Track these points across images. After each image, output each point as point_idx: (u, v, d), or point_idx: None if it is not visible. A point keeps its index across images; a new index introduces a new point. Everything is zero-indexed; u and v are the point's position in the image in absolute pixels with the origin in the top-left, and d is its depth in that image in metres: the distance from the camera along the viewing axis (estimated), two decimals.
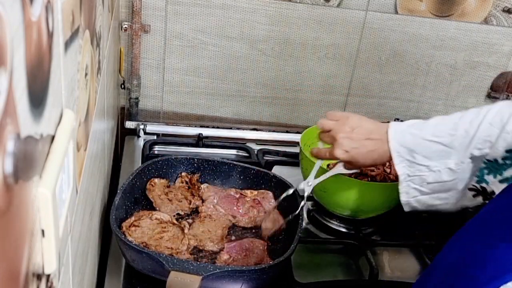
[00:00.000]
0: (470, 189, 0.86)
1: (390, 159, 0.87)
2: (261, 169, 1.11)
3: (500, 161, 0.81)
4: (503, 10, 1.40)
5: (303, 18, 1.35)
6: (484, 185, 0.84)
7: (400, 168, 0.86)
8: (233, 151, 1.35)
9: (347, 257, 1.04)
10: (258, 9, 1.32)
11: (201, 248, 0.94)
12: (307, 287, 0.92)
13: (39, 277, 0.38)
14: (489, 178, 0.83)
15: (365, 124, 0.89)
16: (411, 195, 0.88)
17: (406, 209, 0.91)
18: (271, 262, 0.84)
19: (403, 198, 0.89)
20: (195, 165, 1.11)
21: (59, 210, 0.42)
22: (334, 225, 1.12)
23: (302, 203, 0.95)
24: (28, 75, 0.33)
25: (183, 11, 1.30)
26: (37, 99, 0.36)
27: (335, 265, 1.02)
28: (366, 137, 0.88)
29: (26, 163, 0.34)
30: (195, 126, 1.41)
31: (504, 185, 0.80)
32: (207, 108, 1.43)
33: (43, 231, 0.38)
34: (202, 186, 1.09)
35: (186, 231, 0.95)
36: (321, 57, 1.40)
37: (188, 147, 1.33)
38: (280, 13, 1.33)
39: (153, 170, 1.07)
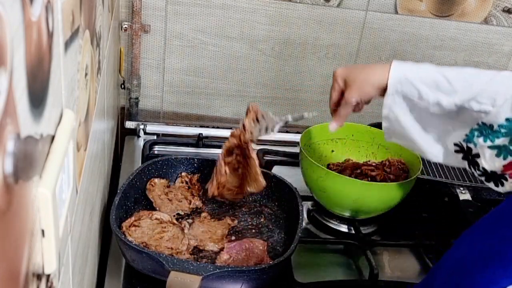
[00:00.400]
0: (455, 144, 0.84)
1: (385, 85, 0.83)
2: (262, 169, 1.11)
3: (496, 127, 0.77)
4: (503, 10, 1.40)
5: (303, 18, 1.35)
6: (471, 145, 0.81)
7: (392, 82, 0.82)
8: None
9: (347, 257, 1.04)
10: (258, 9, 1.32)
11: (201, 248, 0.94)
12: (307, 287, 0.92)
13: (39, 277, 0.38)
14: (479, 140, 0.79)
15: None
16: (392, 109, 0.84)
17: (384, 125, 0.87)
18: (271, 262, 0.84)
19: (384, 110, 0.85)
20: (195, 165, 1.11)
21: (59, 210, 0.42)
22: (334, 225, 1.12)
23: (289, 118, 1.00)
24: (28, 75, 0.33)
25: (183, 11, 1.30)
26: (37, 99, 0.36)
27: (335, 265, 1.02)
28: (371, 64, 0.88)
29: (26, 163, 0.34)
30: (195, 126, 1.41)
31: (492, 152, 0.78)
32: (207, 108, 1.43)
33: (43, 231, 0.38)
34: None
35: (186, 231, 0.95)
36: (321, 57, 1.40)
37: (188, 147, 1.33)
38: (280, 13, 1.33)
39: (153, 170, 1.07)
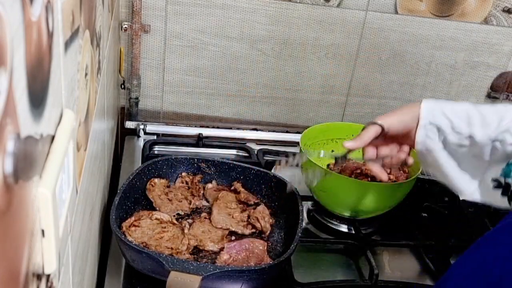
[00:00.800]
0: (494, 180, 0.81)
1: (417, 117, 0.81)
2: (261, 169, 1.11)
3: None
4: (503, 10, 1.40)
5: (303, 18, 1.35)
6: (509, 180, 0.79)
7: (424, 111, 0.80)
8: (233, 151, 1.35)
9: (347, 257, 1.04)
10: (258, 9, 1.32)
11: (201, 248, 0.94)
12: (307, 287, 0.92)
13: (39, 277, 0.38)
14: None
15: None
16: (425, 144, 0.82)
17: (420, 158, 0.83)
18: (271, 262, 0.84)
19: (417, 145, 0.82)
20: (195, 165, 1.11)
21: (59, 210, 0.42)
22: (334, 225, 1.12)
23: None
24: (28, 75, 0.33)
25: (183, 11, 1.30)
26: (37, 99, 0.36)
27: (335, 265, 1.02)
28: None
29: (26, 163, 0.34)
30: (195, 126, 1.41)
31: None
32: (207, 108, 1.43)
33: (43, 231, 0.38)
34: (207, 185, 1.09)
35: (186, 231, 0.95)
36: (321, 57, 1.40)
37: (188, 147, 1.33)
38: (280, 13, 1.33)
39: (153, 170, 1.07)
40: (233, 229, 0.99)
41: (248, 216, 1.02)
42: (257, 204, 1.05)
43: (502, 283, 0.58)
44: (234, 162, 1.12)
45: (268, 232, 1.00)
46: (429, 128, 0.81)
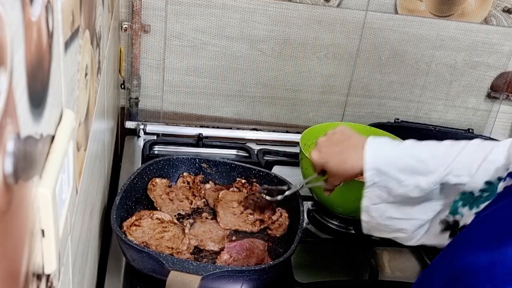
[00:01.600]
0: (441, 222, 0.82)
1: (361, 171, 0.82)
2: (263, 170, 1.11)
3: (477, 193, 0.77)
4: (503, 10, 1.40)
5: (303, 18, 1.35)
6: (458, 217, 0.80)
7: (369, 175, 0.81)
8: (233, 151, 1.36)
9: (347, 257, 1.04)
10: (258, 9, 1.32)
11: (201, 248, 0.94)
12: (307, 287, 0.92)
13: (39, 277, 0.38)
14: (464, 210, 0.79)
15: (347, 131, 0.88)
16: (373, 201, 0.83)
17: (364, 219, 0.85)
18: (271, 262, 0.84)
19: (365, 202, 0.83)
20: (196, 165, 1.11)
21: (59, 210, 0.42)
22: (334, 225, 1.12)
23: (287, 192, 1.00)
24: (28, 75, 0.33)
25: (183, 11, 1.30)
26: (37, 99, 0.36)
27: (335, 265, 1.02)
28: (344, 141, 0.86)
29: (26, 163, 0.34)
30: (195, 126, 1.41)
31: None
32: (207, 108, 1.43)
33: (43, 231, 0.38)
34: (205, 185, 1.09)
35: (186, 231, 0.95)
36: (321, 57, 1.40)
37: (188, 147, 1.33)
38: (280, 13, 1.33)
39: (154, 170, 1.07)
40: (242, 229, 0.99)
41: (262, 220, 1.02)
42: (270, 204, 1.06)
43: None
44: (236, 162, 1.12)
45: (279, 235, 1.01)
46: (375, 187, 0.81)
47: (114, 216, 0.87)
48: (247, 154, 1.34)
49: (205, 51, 1.35)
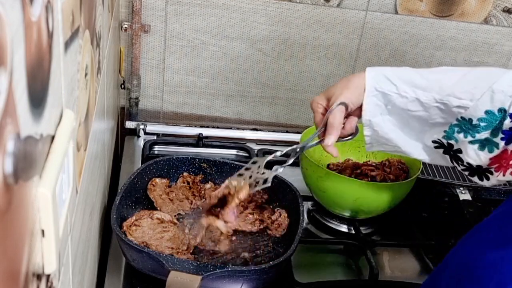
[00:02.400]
0: (434, 141, 0.82)
1: (365, 83, 0.80)
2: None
3: (475, 121, 0.75)
4: (503, 10, 1.40)
5: (303, 18, 1.35)
6: (452, 142, 0.80)
7: (369, 79, 0.80)
8: (233, 151, 1.35)
9: (347, 257, 1.04)
10: (258, 9, 1.32)
11: (201, 248, 0.94)
12: (307, 287, 0.92)
13: (39, 277, 0.38)
14: (459, 136, 0.78)
15: None
16: (373, 112, 0.81)
17: (366, 133, 0.83)
18: (271, 263, 0.84)
19: (365, 115, 0.81)
20: (196, 165, 1.11)
21: (59, 210, 0.42)
22: (334, 225, 1.12)
23: (280, 169, 0.91)
24: (28, 75, 0.33)
25: (183, 11, 1.30)
26: (37, 99, 0.36)
27: (335, 265, 1.02)
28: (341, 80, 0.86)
29: (26, 163, 0.34)
30: (195, 126, 1.41)
31: (474, 146, 0.77)
32: (207, 108, 1.43)
33: (43, 231, 0.38)
34: (205, 185, 1.09)
35: (186, 231, 0.95)
36: (321, 57, 1.40)
37: (188, 147, 1.33)
38: (280, 13, 1.33)
39: (154, 170, 1.07)
40: (242, 229, 0.99)
41: (262, 220, 1.02)
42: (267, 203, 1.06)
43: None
44: (235, 162, 1.12)
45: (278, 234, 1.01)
46: (375, 95, 0.80)
47: (114, 216, 0.87)
48: (247, 154, 1.33)
49: (205, 51, 1.35)
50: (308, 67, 1.41)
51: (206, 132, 1.37)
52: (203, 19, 1.31)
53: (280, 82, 1.42)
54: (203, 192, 1.08)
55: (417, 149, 0.86)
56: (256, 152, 1.32)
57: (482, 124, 0.75)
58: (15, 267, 0.32)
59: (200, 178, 1.10)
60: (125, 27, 1.28)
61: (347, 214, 1.08)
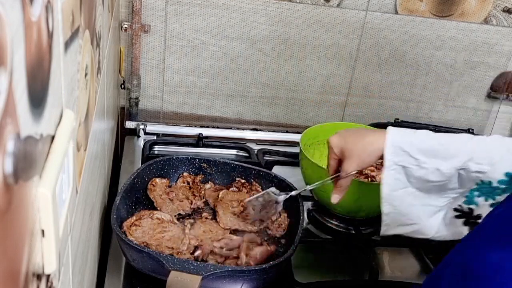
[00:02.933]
0: (455, 209, 0.82)
1: (381, 151, 0.80)
2: (263, 169, 1.11)
3: (495, 184, 0.76)
4: (503, 10, 1.40)
5: (303, 18, 1.35)
6: (472, 206, 0.80)
7: (389, 153, 0.80)
8: (233, 151, 1.35)
9: (347, 257, 1.04)
10: (258, 9, 1.32)
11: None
12: (307, 287, 0.92)
13: (39, 277, 0.38)
14: (479, 200, 0.79)
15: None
16: (393, 186, 0.82)
17: (385, 211, 0.83)
18: (271, 262, 0.84)
19: (385, 189, 0.82)
20: (196, 165, 1.11)
21: (59, 210, 0.42)
22: (334, 225, 1.12)
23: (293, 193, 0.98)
24: (28, 75, 0.33)
25: (183, 11, 1.30)
26: (37, 99, 0.36)
27: (335, 265, 1.02)
28: (364, 129, 0.87)
29: (26, 163, 0.34)
30: (195, 126, 1.41)
31: None
32: (207, 108, 1.43)
33: (43, 231, 0.38)
34: (205, 185, 1.10)
35: (187, 231, 0.95)
36: (321, 57, 1.40)
37: (188, 147, 1.33)
38: (280, 13, 1.33)
39: (154, 170, 1.07)
40: (242, 229, 0.99)
41: (262, 220, 1.02)
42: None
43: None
44: (236, 162, 1.12)
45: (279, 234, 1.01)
46: (395, 168, 0.80)
47: (114, 216, 0.87)
48: (247, 154, 1.33)
49: (205, 51, 1.35)
50: (308, 67, 1.41)
51: (206, 132, 1.37)
52: (203, 19, 1.31)
53: (280, 82, 1.42)
54: (203, 192, 1.08)
55: (436, 225, 0.84)
56: (256, 152, 1.32)
57: (501, 186, 0.76)
58: (15, 267, 0.32)
59: (200, 178, 1.10)
60: (125, 27, 1.28)
61: (347, 214, 1.08)
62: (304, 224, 1.08)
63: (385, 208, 0.83)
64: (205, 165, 1.12)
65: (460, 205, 0.82)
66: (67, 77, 0.49)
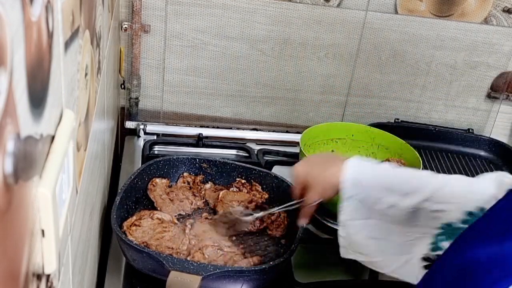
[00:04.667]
0: (424, 259, 0.78)
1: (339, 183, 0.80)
2: (263, 170, 1.11)
3: (457, 224, 0.74)
4: (503, 10, 1.40)
5: (303, 18, 1.35)
6: (439, 252, 0.76)
7: (346, 186, 0.79)
8: (233, 151, 1.35)
9: None
10: (258, 9, 1.32)
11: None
12: (307, 287, 0.92)
13: (39, 277, 0.38)
14: (445, 244, 0.75)
15: (337, 154, 0.88)
16: (350, 216, 0.80)
17: (341, 234, 0.81)
18: (271, 263, 0.84)
19: (341, 217, 0.80)
20: (197, 165, 1.11)
21: (59, 210, 0.42)
22: (334, 225, 1.11)
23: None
24: (28, 75, 0.33)
25: (183, 11, 1.30)
26: (37, 99, 0.36)
27: (335, 265, 1.02)
28: (331, 157, 0.88)
29: (26, 163, 0.34)
30: (195, 126, 1.41)
31: None
32: (207, 108, 1.43)
33: (43, 231, 0.38)
34: (205, 186, 1.09)
35: (187, 231, 0.95)
36: (321, 57, 1.40)
37: (188, 147, 1.33)
38: (280, 13, 1.33)
39: (154, 170, 1.07)
40: (242, 229, 0.99)
41: (262, 220, 1.02)
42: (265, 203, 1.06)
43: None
44: (236, 162, 1.12)
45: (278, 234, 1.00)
46: (351, 201, 0.80)
47: (115, 216, 0.87)
48: (247, 154, 1.33)
49: (205, 51, 1.35)
50: (308, 67, 1.41)
51: (206, 132, 1.37)
52: (203, 19, 1.31)
53: (280, 82, 1.42)
54: (203, 192, 1.08)
55: (396, 263, 0.81)
56: (256, 152, 1.32)
57: (464, 226, 0.73)
58: (15, 267, 0.32)
59: (201, 179, 1.10)
60: (125, 27, 1.28)
61: None
62: (304, 224, 1.08)
63: (340, 231, 0.82)
64: (205, 165, 1.12)
65: (426, 255, 0.79)
66: (67, 77, 0.49)
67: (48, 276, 0.42)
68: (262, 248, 0.97)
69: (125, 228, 0.91)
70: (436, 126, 1.50)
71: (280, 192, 1.06)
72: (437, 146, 1.45)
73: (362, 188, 0.79)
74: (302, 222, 0.91)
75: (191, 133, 1.37)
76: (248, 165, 1.12)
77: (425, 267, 0.80)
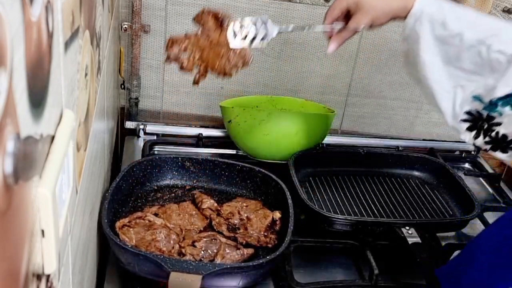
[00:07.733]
0: (467, 112, 0.77)
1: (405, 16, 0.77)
2: (246, 165, 1.11)
3: None
4: (503, 10, 1.40)
5: (303, 18, 1.34)
6: (494, 114, 0.74)
7: (420, 3, 0.77)
8: (233, 151, 1.35)
9: (347, 257, 1.04)
10: (258, 9, 1.32)
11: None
12: (307, 287, 0.92)
13: (39, 277, 0.38)
14: (505, 109, 0.73)
15: None
16: (416, 30, 0.78)
17: (402, 48, 0.82)
18: (268, 257, 0.85)
19: (406, 31, 0.80)
20: (179, 163, 1.12)
21: (59, 210, 0.42)
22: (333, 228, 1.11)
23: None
24: (28, 75, 0.33)
25: (183, 11, 1.30)
26: (37, 99, 0.36)
27: (335, 265, 1.02)
28: None
29: (26, 163, 0.34)
30: (195, 126, 1.41)
31: None
32: (207, 108, 1.43)
33: (43, 231, 0.38)
34: (196, 191, 1.09)
35: (178, 234, 0.95)
36: (321, 57, 1.40)
37: (188, 147, 1.33)
38: (280, 13, 1.33)
39: (137, 171, 1.06)
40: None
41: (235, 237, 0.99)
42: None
43: None
44: (218, 160, 1.13)
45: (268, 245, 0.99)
46: (421, 16, 0.78)
47: (106, 221, 0.87)
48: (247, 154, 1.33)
49: None
50: (308, 67, 1.41)
51: (206, 132, 1.37)
52: None
53: (280, 82, 1.42)
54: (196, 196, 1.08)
55: (448, 104, 0.80)
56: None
57: None
58: (15, 267, 0.32)
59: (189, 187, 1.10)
60: (125, 27, 1.28)
61: (264, 158, 1.21)
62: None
63: (402, 45, 0.83)
64: (188, 163, 1.12)
65: (478, 111, 0.77)
66: (67, 77, 0.49)
67: (48, 276, 0.42)
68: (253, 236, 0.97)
69: (116, 229, 0.91)
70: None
71: (265, 187, 1.07)
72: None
73: (435, 5, 0.77)
74: (333, 48, 0.86)
75: (191, 133, 1.37)
76: (230, 161, 1.12)
77: (463, 120, 0.78)
